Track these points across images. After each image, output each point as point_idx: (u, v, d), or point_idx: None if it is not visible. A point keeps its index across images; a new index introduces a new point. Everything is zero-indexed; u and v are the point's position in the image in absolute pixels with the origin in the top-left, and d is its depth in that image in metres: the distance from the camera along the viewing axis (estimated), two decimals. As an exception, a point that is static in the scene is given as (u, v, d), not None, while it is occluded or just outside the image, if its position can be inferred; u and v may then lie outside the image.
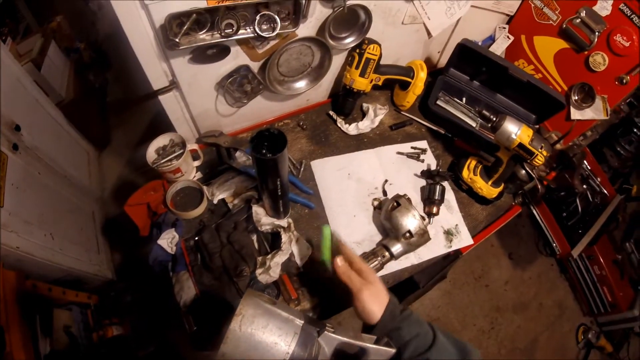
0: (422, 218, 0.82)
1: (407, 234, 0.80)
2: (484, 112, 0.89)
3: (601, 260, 1.80)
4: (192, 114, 0.93)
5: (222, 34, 0.71)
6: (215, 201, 0.88)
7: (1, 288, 1.01)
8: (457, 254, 1.00)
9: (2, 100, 1.23)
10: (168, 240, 0.87)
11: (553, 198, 1.63)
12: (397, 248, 0.80)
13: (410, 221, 0.80)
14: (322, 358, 0.48)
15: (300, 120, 1.00)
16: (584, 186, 1.67)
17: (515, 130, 0.84)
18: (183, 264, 0.85)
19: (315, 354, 0.47)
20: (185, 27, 0.67)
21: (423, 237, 0.81)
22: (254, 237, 0.84)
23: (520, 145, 0.85)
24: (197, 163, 0.96)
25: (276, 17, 0.73)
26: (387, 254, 0.80)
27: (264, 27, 0.74)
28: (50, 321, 1.20)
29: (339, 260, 0.62)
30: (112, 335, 1.48)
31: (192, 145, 0.94)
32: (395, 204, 0.82)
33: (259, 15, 0.72)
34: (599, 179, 1.71)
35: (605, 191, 1.72)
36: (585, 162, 1.72)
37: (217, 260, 0.82)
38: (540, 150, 0.85)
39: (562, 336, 1.91)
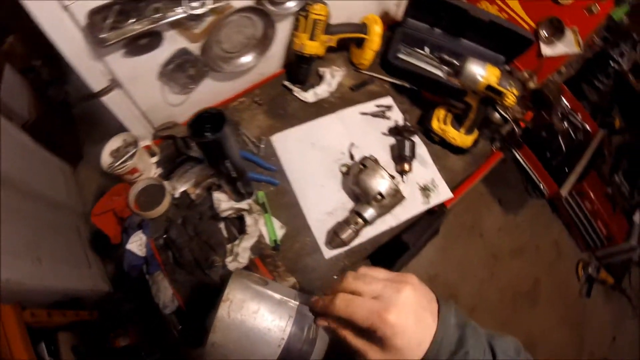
0: (392, 177, 0.79)
1: (379, 196, 0.77)
2: (445, 57, 0.84)
3: (592, 195, 1.80)
4: (142, 109, 0.89)
5: (151, 19, 0.66)
6: (177, 195, 0.85)
7: (0, 324, 1.00)
8: (442, 208, 0.97)
9: (-38, 133, 1.18)
10: (137, 244, 0.85)
11: (535, 139, 1.61)
12: (370, 213, 0.78)
13: (380, 182, 0.77)
14: (322, 339, 0.43)
15: (256, 96, 0.96)
16: (565, 124, 1.64)
17: (481, 71, 0.80)
18: (156, 264, 0.83)
19: (313, 335, 0.42)
20: (110, 20, 0.62)
21: (396, 197, 0.79)
22: (222, 225, 0.82)
23: (488, 87, 0.80)
24: (155, 159, 0.92)
25: None
26: (360, 220, 0.78)
27: (194, 4, 0.69)
28: (56, 345, 1.21)
29: (322, 322, 0.35)
30: (120, 346, 1.49)
31: (145, 142, 0.90)
32: (362, 166, 0.79)
33: None
34: (579, 116, 1.68)
35: (588, 127, 1.69)
36: (563, 99, 1.68)
37: (187, 254, 0.79)
38: (509, 89, 0.81)
39: (562, 274, 1.93)
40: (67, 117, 2.11)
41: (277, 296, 0.43)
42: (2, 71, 1.72)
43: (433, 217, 1.21)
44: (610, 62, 1.78)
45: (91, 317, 1.50)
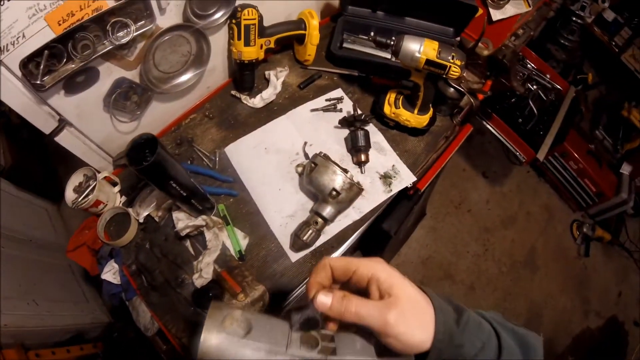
0: (346, 171, 0.78)
1: (334, 193, 0.77)
2: (378, 39, 0.83)
3: (575, 154, 1.79)
4: (96, 142, 0.90)
5: (81, 57, 0.68)
6: (141, 219, 0.85)
7: (6, 369, 1.02)
8: (416, 190, 0.97)
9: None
10: (111, 272, 0.86)
11: (504, 107, 1.59)
12: (328, 211, 0.77)
13: (333, 178, 0.76)
14: None
15: (206, 110, 0.95)
16: (533, 87, 1.63)
17: (417, 47, 0.78)
18: (132, 290, 0.84)
19: None
20: (42, 65, 0.64)
21: (352, 190, 0.78)
22: (188, 243, 0.82)
23: (429, 61, 0.78)
24: (117, 189, 0.92)
25: (127, 20, 0.69)
26: (319, 219, 0.77)
27: (120, 34, 0.70)
28: None
29: (321, 296, 0.36)
30: (128, 375, 1.51)
31: (104, 174, 0.90)
32: (312, 165, 0.78)
33: (109, 25, 0.68)
34: (548, 76, 1.66)
35: (558, 86, 1.67)
36: (529, 62, 1.66)
37: (158, 276, 0.80)
38: (451, 61, 0.79)
39: (558, 237, 1.92)
40: (44, 156, 2.12)
41: (262, 350, 0.34)
42: (-29, 120, 1.74)
43: (411, 201, 1.20)
44: (573, 17, 1.75)
45: (96, 350, 1.51)
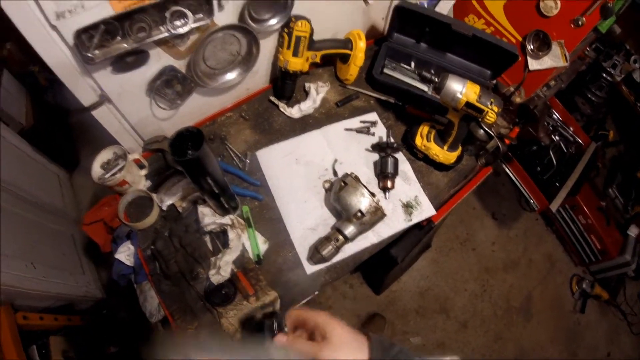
0: (373, 195, 0.80)
1: (359, 214, 0.78)
2: (424, 73, 0.85)
3: (585, 209, 1.79)
4: (131, 123, 0.91)
5: (136, 38, 0.69)
6: (164, 207, 0.87)
7: (-8, 325, 1.02)
8: (430, 224, 0.98)
9: (-42, 138, 1.21)
10: (125, 253, 0.87)
11: (525, 153, 1.61)
12: (350, 230, 0.78)
13: (360, 200, 0.78)
14: None
15: (243, 111, 0.97)
16: (556, 138, 1.64)
17: (460, 89, 0.80)
18: (143, 274, 0.84)
19: None
20: (96, 39, 0.65)
21: (376, 214, 0.79)
22: (207, 238, 0.83)
23: (468, 104, 0.81)
24: (144, 172, 0.94)
25: (187, 11, 0.70)
26: (340, 237, 0.78)
27: (178, 23, 0.71)
28: (47, 349, 1.22)
29: (280, 337, 0.51)
30: (110, 353, 1.50)
31: (134, 155, 0.92)
32: (342, 184, 0.80)
33: (169, 13, 0.69)
34: (571, 129, 1.68)
35: (580, 140, 1.69)
36: (555, 112, 1.69)
37: (173, 266, 0.81)
38: (490, 106, 0.81)
39: (556, 289, 1.92)
40: (64, 124, 2.14)
41: None
42: (0, 77, 1.76)
43: (422, 231, 1.21)
44: (603, 73, 1.78)
45: (83, 323, 1.51)
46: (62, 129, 2.07)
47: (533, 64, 1.23)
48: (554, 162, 1.59)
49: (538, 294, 1.87)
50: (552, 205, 1.50)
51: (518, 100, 1.26)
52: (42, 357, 1.19)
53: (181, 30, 0.71)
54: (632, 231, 1.86)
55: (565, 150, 1.65)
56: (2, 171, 1.40)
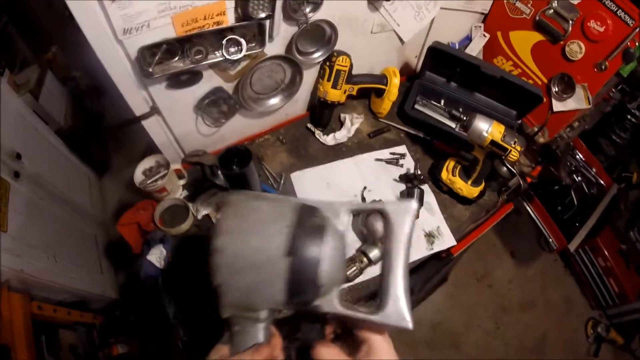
0: (399, 222, 0.83)
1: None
2: (454, 112, 0.90)
3: (605, 251, 1.76)
4: (176, 136, 0.97)
5: (193, 60, 0.75)
6: (199, 217, 0.91)
7: (7, 310, 1.05)
8: (448, 255, 1.00)
9: (3, 130, 1.29)
10: (157, 256, 0.90)
11: (547, 192, 1.61)
12: (375, 253, 0.82)
13: (386, 226, 0.81)
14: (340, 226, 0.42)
15: (280, 134, 1.03)
16: (578, 178, 1.65)
17: (486, 128, 0.85)
18: (172, 279, 0.88)
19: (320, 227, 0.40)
20: (157, 57, 0.71)
21: (401, 241, 0.82)
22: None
23: (493, 142, 0.85)
24: (182, 182, 0.99)
25: (241, 40, 0.77)
26: (365, 259, 0.81)
27: (232, 50, 0.78)
28: (56, 341, 1.24)
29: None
30: (117, 354, 1.51)
31: (176, 165, 0.98)
32: (371, 210, 0.83)
33: (225, 40, 0.76)
34: (594, 170, 1.68)
35: (602, 181, 1.69)
36: (578, 153, 1.70)
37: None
38: (513, 145, 0.85)
39: (571, 332, 1.86)
40: (100, 128, 2.25)
41: (280, 196, 0.43)
42: (44, 77, 1.87)
43: (440, 263, 1.22)
44: (628, 115, 1.78)
45: (95, 321, 1.53)
46: (97, 134, 2.17)
47: (557, 106, 1.27)
48: (575, 202, 1.59)
49: (553, 336, 1.82)
50: (571, 245, 1.49)
51: (541, 140, 1.29)
52: (50, 349, 1.21)
53: (235, 57, 0.78)
54: (652, 277, 1.81)
55: (587, 191, 1.64)
56: (38, 165, 1.47)
